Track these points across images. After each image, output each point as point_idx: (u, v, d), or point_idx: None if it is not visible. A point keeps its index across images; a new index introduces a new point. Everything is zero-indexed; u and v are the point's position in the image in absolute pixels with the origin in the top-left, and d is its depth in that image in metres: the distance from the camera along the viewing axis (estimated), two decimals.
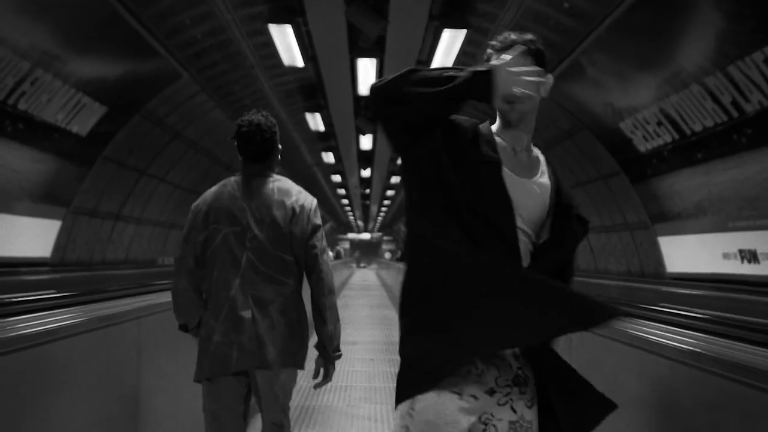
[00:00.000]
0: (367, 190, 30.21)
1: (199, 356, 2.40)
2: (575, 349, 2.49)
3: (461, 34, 9.74)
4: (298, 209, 2.46)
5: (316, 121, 16.72)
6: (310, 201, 2.53)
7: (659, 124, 9.73)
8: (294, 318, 2.42)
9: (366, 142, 18.42)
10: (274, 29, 9.75)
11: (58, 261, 11.42)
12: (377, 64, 11.28)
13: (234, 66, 12.32)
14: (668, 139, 9.79)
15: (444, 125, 1.62)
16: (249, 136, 2.47)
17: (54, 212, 10.85)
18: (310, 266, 2.48)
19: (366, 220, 60.04)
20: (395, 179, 27.46)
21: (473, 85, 1.48)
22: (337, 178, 27.06)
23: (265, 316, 2.34)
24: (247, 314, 2.31)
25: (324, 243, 2.51)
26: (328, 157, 21.53)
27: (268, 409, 2.44)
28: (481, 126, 1.72)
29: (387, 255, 63.01)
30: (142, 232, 15.18)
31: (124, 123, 11.24)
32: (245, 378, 2.41)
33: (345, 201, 39.99)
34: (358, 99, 14.25)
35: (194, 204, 2.54)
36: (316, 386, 2.57)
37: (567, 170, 13.73)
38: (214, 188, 2.56)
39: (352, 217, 57.35)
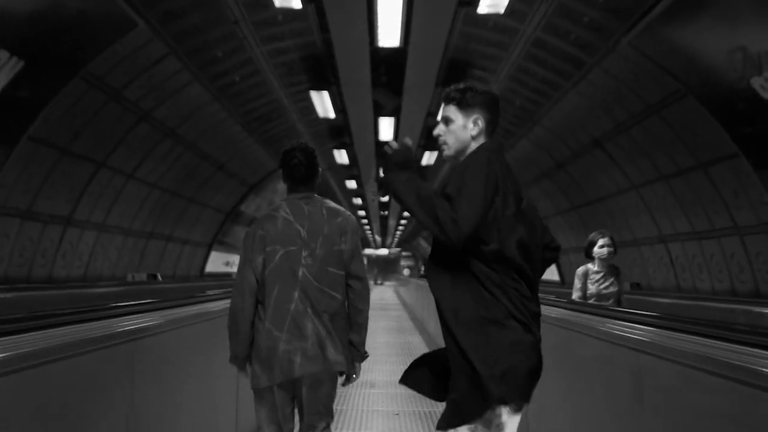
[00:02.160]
0: (386, 197, 27.35)
1: (264, 363, 2.62)
2: None
3: None
4: (347, 228, 2.78)
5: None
6: (353, 220, 2.85)
7: None
8: (343, 326, 2.74)
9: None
10: None
11: None
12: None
13: (213, 19, 9.34)
14: None
15: None
16: (293, 158, 2.73)
17: None
18: (354, 279, 2.78)
19: (384, 235, 57.16)
20: None
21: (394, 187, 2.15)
22: (351, 184, 24.01)
23: (323, 325, 2.62)
24: (308, 323, 2.59)
25: (365, 262, 2.86)
26: (341, 156, 18.52)
27: (310, 412, 2.72)
28: None
29: (406, 272, 61.95)
30: (107, 241, 12.17)
31: (56, 89, 8.26)
32: (291, 387, 2.70)
33: (361, 213, 36.98)
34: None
35: (249, 230, 2.75)
36: (344, 384, 2.88)
37: (639, 163, 10.62)
38: (266, 213, 2.80)
39: (369, 232, 54.51)
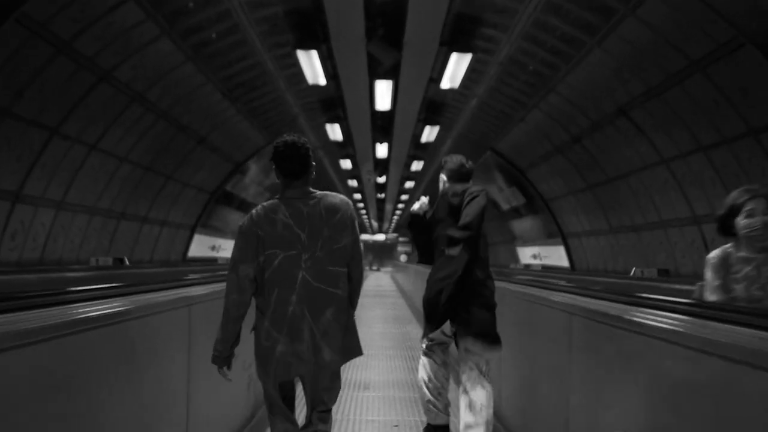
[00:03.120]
0: (383, 178, 26.01)
1: (262, 360, 2.68)
2: None
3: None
4: (347, 222, 2.74)
5: None
6: (351, 211, 2.77)
7: None
8: (344, 320, 2.73)
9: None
10: None
11: None
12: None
13: None
14: None
15: None
16: (286, 154, 2.63)
17: None
18: (351, 269, 2.80)
19: (381, 220, 55.84)
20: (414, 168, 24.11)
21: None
22: (346, 164, 22.59)
23: (319, 326, 2.62)
24: (305, 326, 2.60)
25: (362, 249, 2.88)
26: (334, 132, 17.06)
27: (314, 399, 2.84)
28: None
29: (403, 257, 61.07)
30: (68, 221, 10.75)
31: None
32: (291, 383, 2.85)
33: (357, 196, 35.54)
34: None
35: (243, 225, 2.64)
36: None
37: (673, 133, 9.24)
38: (263, 212, 2.64)
39: (365, 217, 53.17)
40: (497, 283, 3.60)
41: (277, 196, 2.72)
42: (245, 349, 2.89)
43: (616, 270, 14.17)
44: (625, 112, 10.80)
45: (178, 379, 3.06)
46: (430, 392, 3.62)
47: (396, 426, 4.45)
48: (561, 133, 13.48)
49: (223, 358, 2.71)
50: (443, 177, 3.69)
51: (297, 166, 2.65)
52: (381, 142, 18.32)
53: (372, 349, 7.92)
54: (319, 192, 2.74)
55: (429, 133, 17.02)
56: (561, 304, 3.21)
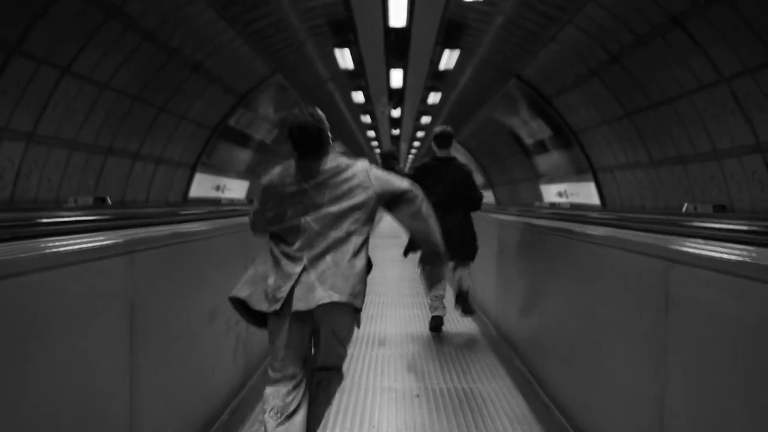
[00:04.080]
0: (398, 111, 24.47)
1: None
2: None
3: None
4: (362, 179, 2.64)
5: None
6: (367, 170, 2.68)
7: None
8: (345, 265, 2.53)
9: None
10: None
11: None
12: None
13: None
14: None
15: None
16: (299, 137, 2.62)
17: None
18: (404, 209, 2.75)
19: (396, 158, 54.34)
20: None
21: None
22: (359, 96, 21.11)
23: (316, 268, 2.50)
24: (298, 269, 2.50)
25: (400, 176, 2.83)
26: (344, 59, 15.60)
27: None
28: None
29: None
30: (42, 157, 9.55)
31: None
32: (311, 320, 2.55)
33: (371, 134, 34.09)
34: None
35: (264, 181, 2.69)
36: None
37: (737, 45, 7.75)
38: (278, 170, 2.69)
39: (379, 153, 51.80)
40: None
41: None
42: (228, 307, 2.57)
43: (656, 207, 12.83)
44: (679, 21, 9.26)
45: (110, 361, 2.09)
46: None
47: (417, 396, 3.57)
48: (598, 52, 11.92)
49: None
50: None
51: (312, 146, 2.63)
52: (396, 68, 16.87)
53: (388, 297, 6.88)
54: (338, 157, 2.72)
55: (448, 59, 15.45)
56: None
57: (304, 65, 16.77)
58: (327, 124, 2.70)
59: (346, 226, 2.63)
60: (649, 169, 12.77)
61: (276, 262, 2.60)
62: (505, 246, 4.68)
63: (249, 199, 21.82)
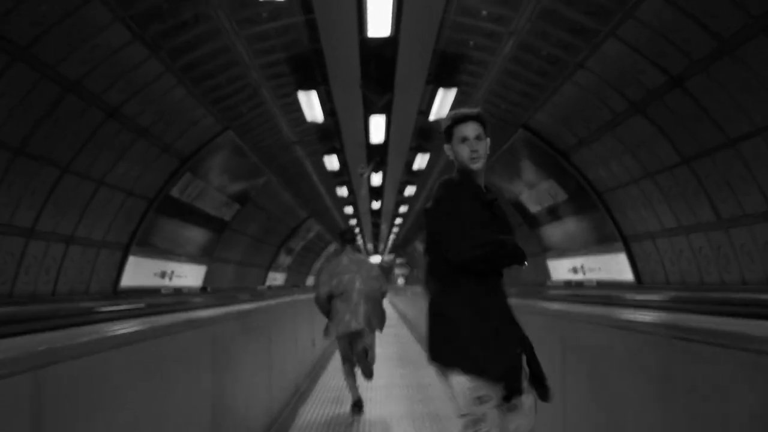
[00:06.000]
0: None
1: (332, 326, 5.62)
2: None
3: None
4: (377, 269, 5.83)
5: None
6: (377, 267, 5.94)
7: None
8: (372, 310, 5.61)
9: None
10: None
11: None
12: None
13: None
14: None
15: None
16: (348, 235, 5.88)
17: None
18: (381, 286, 5.91)
19: (376, 240, 51.45)
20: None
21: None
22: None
23: (361, 315, 5.49)
24: (356, 315, 5.52)
25: (386, 284, 5.94)
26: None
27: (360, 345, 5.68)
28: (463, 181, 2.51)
29: (401, 281, 57.32)
30: None
31: None
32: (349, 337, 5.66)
33: (353, 221, 31.49)
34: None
35: (323, 267, 5.84)
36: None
37: None
38: (334, 258, 5.81)
39: (360, 240, 48.77)
40: None
41: (342, 251, 5.79)
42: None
43: (727, 282, 9.68)
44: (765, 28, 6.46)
45: None
46: None
47: None
48: (650, 72, 8.92)
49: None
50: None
51: (352, 240, 5.87)
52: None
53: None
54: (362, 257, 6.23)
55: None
56: None
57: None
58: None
59: (376, 295, 5.69)
60: (714, 232, 9.72)
61: (341, 318, 5.55)
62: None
63: (203, 287, 18.28)
